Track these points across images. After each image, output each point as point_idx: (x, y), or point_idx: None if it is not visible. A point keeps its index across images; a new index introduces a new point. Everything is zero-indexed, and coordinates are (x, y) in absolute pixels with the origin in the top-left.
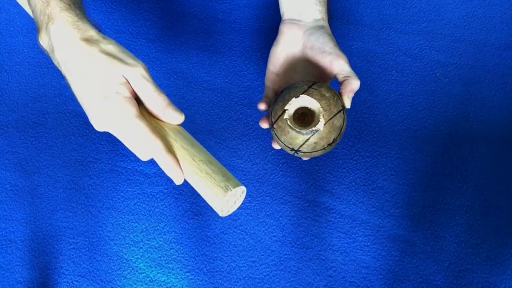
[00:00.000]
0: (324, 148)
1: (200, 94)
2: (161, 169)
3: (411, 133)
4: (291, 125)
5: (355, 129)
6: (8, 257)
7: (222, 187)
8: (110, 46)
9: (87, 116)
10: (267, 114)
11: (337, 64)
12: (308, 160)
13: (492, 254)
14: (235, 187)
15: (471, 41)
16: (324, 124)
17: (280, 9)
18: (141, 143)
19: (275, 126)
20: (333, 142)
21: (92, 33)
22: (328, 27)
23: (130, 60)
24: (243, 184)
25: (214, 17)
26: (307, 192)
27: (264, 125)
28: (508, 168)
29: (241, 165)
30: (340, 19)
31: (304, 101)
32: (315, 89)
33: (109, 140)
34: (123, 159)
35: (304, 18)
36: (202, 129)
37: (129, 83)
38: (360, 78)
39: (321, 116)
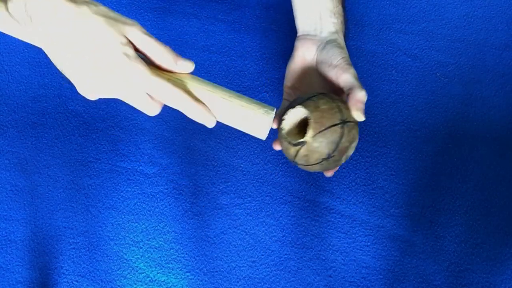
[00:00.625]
0: (320, 163)
1: None
2: (161, 169)
3: (411, 133)
4: (284, 136)
5: None
6: (8, 257)
7: (264, 114)
8: (101, 7)
9: (87, 116)
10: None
11: (342, 77)
12: None
13: (492, 254)
14: (273, 109)
15: (471, 41)
16: (313, 137)
17: (296, 24)
18: (160, 91)
19: (278, 136)
20: (329, 157)
21: None
22: (342, 38)
23: (126, 19)
24: (243, 184)
25: (214, 17)
26: (307, 192)
27: (277, 147)
28: (508, 168)
29: (241, 165)
30: None
31: (298, 112)
32: (313, 100)
33: (109, 140)
34: (123, 159)
35: (318, 32)
36: (202, 129)
37: (131, 43)
38: (360, 78)
39: (310, 128)
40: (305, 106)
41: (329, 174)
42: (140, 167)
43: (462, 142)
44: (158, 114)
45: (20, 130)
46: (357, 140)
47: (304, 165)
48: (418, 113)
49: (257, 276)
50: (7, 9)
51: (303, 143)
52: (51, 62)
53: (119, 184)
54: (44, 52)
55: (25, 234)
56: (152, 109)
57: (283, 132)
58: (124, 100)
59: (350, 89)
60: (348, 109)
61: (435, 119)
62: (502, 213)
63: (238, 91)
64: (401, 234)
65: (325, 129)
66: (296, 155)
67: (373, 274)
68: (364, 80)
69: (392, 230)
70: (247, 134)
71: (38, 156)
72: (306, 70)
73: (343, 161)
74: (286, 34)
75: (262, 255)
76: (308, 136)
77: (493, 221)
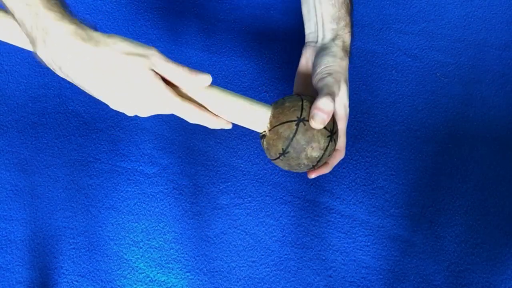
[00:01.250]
0: (279, 158)
1: None
2: (161, 169)
3: (411, 133)
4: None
5: (355, 129)
6: (8, 257)
7: (265, 107)
8: (121, 44)
9: (87, 116)
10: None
11: (318, 85)
12: None
13: (492, 254)
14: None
15: (471, 41)
16: (269, 130)
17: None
18: (188, 114)
19: None
20: (284, 152)
21: (96, 36)
22: (339, 45)
23: (146, 50)
24: (243, 184)
25: (214, 17)
26: (307, 192)
27: (312, 175)
28: (508, 168)
29: (241, 165)
30: None
31: (268, 110)
32: (283, 98)
33: (109, 140)
34: (123, 159)
35: (319, 39)
36: (202, 129)
37: (156, 73)
38: (360, 78)
39: (267, 122)
40: (273, 104)
41: (311, 175)
42: (140, 167)
43: (462, 142)
44: (158, 114)
45: (20, 130)
46: (322, 143)
47: (272, 160)
48: (418, 113)
49: (257, 276)
50: (35, 52)
51: (264, 136)
52: None
53: (119, 184)
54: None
55: (25, 234)
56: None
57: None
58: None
59: (319, 94)
60: (303, 108)
61: (435, 119)
62: (502, 213)
63: (238, 91)
64: (401, 234)
65: (280, 124)
66: (263, 148)
67: (373, 274)
68: (364, 80)
69: (392, 230)
70: (247, 134)
71: (38, 156)
72: (308, 76)
73: (306, 161)
74: (286, 34)
75: (262, 255)
76: (266, 130)
77: (493, 221)
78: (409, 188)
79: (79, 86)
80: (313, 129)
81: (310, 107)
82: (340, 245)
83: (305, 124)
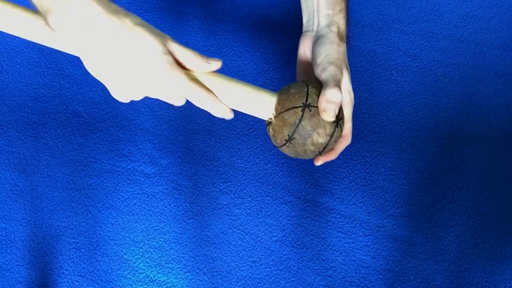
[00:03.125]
0: (285, 145)
1: None
2: (161, 169)
3: (411, 133)
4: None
5: (355, 129)
6: (8, 257)
7: (270, 94)
8: (140, 21)
9: (87, 116)
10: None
11: (321, 76)
12: (308, 160)
13: (492, 254)
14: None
15: (471, 41)
16: (275, 117)
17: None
18: (196, 96)
19: None
20: (290, 139)
21: (116, 7)
22: (334, 33)
23: (162, 33)
24: (243, 184)
25: (214, 17)
26: (307, 192)
27: (319, 162)
28: (508, 168)
29: (241, 165)
30: None
31: (273, 97)
32: (288, 85)
33: (109, 140)
34: (123, 159)
35: (315, 27)
36: (202, 129)
37: (170, 52)
38: (360, 78)
39: (273, 109)
40: (279, 91)
41: (318, 162)
42: (140, 167)
43: (462, 142)
44: (158, 114)
45: (20, 130)
46: (328, 129)
47: (279, 147)
48: (418, 113)
49: (257, 276)
50: (47, 23)
51: (270, 123)
52: (51, 62)
53: (119, 184)
54: (44, 52)
55: (25, 234)
56: (181, 103)
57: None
58: (155, 97)
59: (322, 88)
60: (309, 95)
61: (435, 119)
62: (502, 213)
63: None
64: (401, 234)
65: (285, 110)
66: (269, 135)
67: (373, 274)
68: (364, 80)
69: (392, 230)
70: (247, 134)
71: (38, 156)
72: (309, 65)
73: (312, 147)
74: (286, 34)
75: (262, 255)
76: (272, 116)
77: (493, 221)
78: (409, 188)
79: (85, 60)
80: (319, 115)
81: (315, 93)
82: (340, 245)
83: (310, 110)
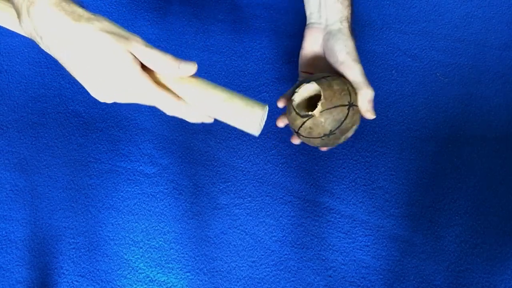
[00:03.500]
0: (321, 138)
1: None
2: (161, 169)
3: (411, 133)
4: (294, 107)
5: None
6: (8, 257)
7: (255, 108)
8: (105, 23)
9: (87, 116)
10: None
11: (349, 74)
12: (308, 160)
13: (492, 254)
14: (265, 106)
15: (471, 41)
16: (321, 112)
17: (305, 13)
18: (165, 104)
19: (286, 106)
20: (330, 133)
21: (80, 11)
22: (347, 27)
23: (128, 34)
24: (243, 184)
25: (214, 17)
26: (307, 192)
27: (281, 124)
28: (508, 168)
29: (241, 165)
30: None
31: (312, 88)
32: (328, 80)
33: (109, 140)
34: (123, 159)
35: (323, 20)
36: (202, 129)
37: (135, 57)
38: None
39: (319, 104)
40: (319, 84)
41: (324, 148)
42: (140, 167)
43: (462, 142)
44: (158, 114)
45: (20, 130)
46: (358, 124)
47: (306, 137)
48: (418, 113)
49: (257, 276)
50: (20, 24)
51: (310, 116)
52: (52, 62)
53: (119, 184)
54: (44, 52)
55: (25, 234)
56: (168, 111)
57: (294, 103)
58: (129, 102)
59: (358, 88)
60: (356, 94)
61: (435, 119)
62: (502, 213)
63: (238, 91)
64: (401, 234)
65: (333, 107)
66: (301, 126)
67: (373, 274)
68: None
69: (392, 230)
70: (247, 134)
71: (38, 156)
72: (316, 57)
73: (341, 141)
74: (286, 34)
75: (262, 255)
76: (317, 111)
77: (493, 221)
78: (409, 188)
79: (59, 61)
80: (358, 113)
81: (354, 91)
82: (340, 245)
83: (353, 109)
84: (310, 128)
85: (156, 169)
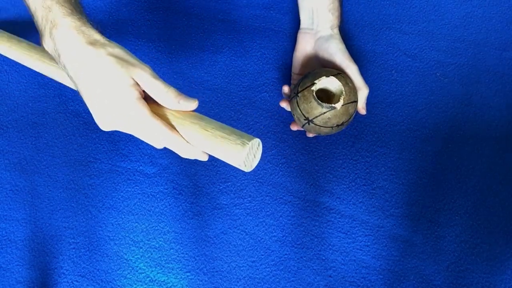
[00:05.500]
0: (332, 127)
1: (200, 94)
2: (161, 169)
3: (411, 133)
4: (315, 96)
5: (355, 129)
6: (8, 257)
7: (239, 144)
8: (117, 49)
9: (87, 116)
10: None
11: (350, 74)
12: (308, 160)
13: (492, 254)
14: (250, 141)
15: (471, 41)
16: (342, 105)
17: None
18: (157, 137)
19: (299, 94)
20: (342, 124)
21: (97, 37)
22: (338, 33)
23: (137, 62)
24: (243, 184)
25: (214, 17)
26: (307, 192)
27: (294, 127)
28: (508, 168)
29: None
30: None
31: (332, 82)
32: (343, 77)
33: (109, 140)
34: (123, 159)
35: (315, 26)
36: None
37: (138, 85)
38: None
39: (341, 98)
40: (340, 80)
41: (310, 134)
42: (140, 167)
43: (462, 142)
44: None
45: (20, 130)
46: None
47: (319, 126)
48: (418, 113)
49: (257, 276)
50: (42, 44)
51: (333, 108)
52: None
53: (119, 184)
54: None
55: (25, 234)
56: (157, 144)
57: (315, 93)
58: (127, 132)
59: (356, 87)
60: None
61: (435, 119)
62: (502, 213)
63: (238, 91)
64: (401, 234)
65: (350, 102)
66: (318, 116)
67: (373, 274)
68: (364, 80)
69: (392, 230)
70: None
71: (38, 156)
72: (309, 59)
73: (339, 130)
74: (286, 34)
75: (262, 255)
76: (339, 104)
77: (493, 221)
78: (409, 188)
79: (73, 83)
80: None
81: (355, 89)
82: (340, 245)
83: (356, 104)
84: (329, 118)
85: (156, 169)
